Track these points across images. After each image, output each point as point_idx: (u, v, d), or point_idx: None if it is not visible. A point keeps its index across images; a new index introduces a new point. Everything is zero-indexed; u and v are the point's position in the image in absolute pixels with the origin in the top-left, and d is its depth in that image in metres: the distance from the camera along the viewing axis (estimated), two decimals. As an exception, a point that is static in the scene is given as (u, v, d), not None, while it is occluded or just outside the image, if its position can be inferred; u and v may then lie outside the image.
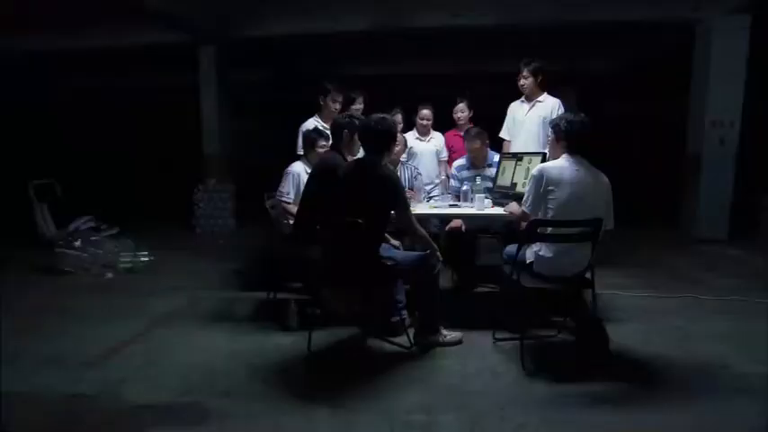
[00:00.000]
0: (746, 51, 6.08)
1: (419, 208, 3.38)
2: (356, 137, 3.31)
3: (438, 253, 2.77)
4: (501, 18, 6.36)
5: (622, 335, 3.01)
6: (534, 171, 2.66)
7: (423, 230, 2.74)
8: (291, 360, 2.82)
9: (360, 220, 2.51)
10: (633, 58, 8.80)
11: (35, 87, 9.67)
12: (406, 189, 3.50)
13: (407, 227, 2.70)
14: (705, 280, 4.40)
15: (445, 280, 4.26)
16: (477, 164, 4.04)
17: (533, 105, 4.18)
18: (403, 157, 4.36)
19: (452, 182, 4.11)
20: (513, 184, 3.52)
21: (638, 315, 3.45)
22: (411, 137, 4.49)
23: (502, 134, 4.40)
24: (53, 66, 8.77)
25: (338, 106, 4.22)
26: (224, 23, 6.70)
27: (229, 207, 7.22)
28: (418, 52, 8.53)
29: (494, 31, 6.93)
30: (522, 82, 4.12)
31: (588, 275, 2.68)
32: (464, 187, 3.62)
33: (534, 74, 4.08)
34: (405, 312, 3.07)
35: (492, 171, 3.92)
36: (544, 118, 4.12)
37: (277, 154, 4.54)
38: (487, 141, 4.02)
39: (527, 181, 3.36)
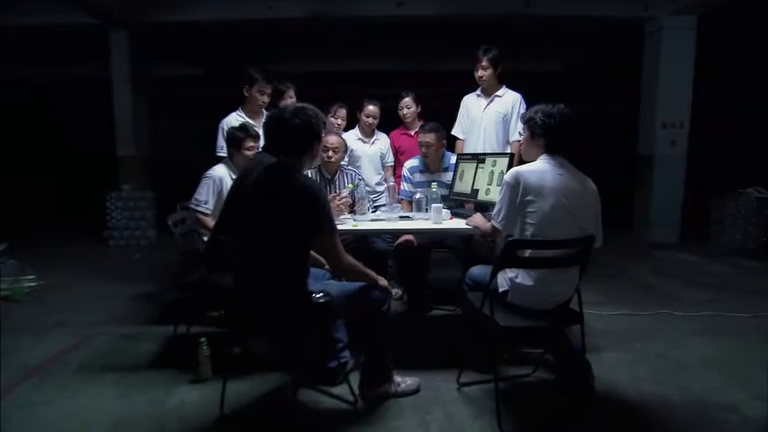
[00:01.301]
0: (694, 52, 5.98)
1: (364, 222, 2.77)
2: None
3: (386, 283, 2.17)
4: (445, 9, 5.91)
5: (603, 367, 2.56)
6: (508, 177, 2.13)
7: (354, 262, 2.09)
8: (197, 427, 2.13)
9: (276, 246, 1.89)
10: (585, 57, 8.69)
11: None
12: (346, 198, 2.89)
13: (333, 258, 2.00)
14: (671, 291, 4.10)
15: (395, 303, 3.70)
16: (430, 167, 3.49)
17: (491, 100, 3.70)
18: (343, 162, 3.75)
19: (404, 185, 3.54)
20: (475, 191, 3.00)
21: (615, 340, 3.02)
22: (352, 137, 3.88)
23: (454, 131, 3.89)
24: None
25: (266, 99, 3.55)
26: (134, 5, 5.81)
27: (149, 216, 6.29)
28: (363, 48, 7.97)
29: (439, 25, 6.47)
30: (480, 73, 3.63)
31: (571, 304, 2.19)
32: (417, 195, 3.06)
33: (494, 64, 3.60)
34: (347, 354, 2.46)
35: (449, 176, 3.39)
36: (504, 115, 3.66)
37: (211, 155, 3.83)
38: (444, 141, 3.49)
39: (491, 187, 2.87)
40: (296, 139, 2.00)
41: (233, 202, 2.11)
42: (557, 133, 2.14)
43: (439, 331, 3.21)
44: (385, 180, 3.96)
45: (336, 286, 2.14)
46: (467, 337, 2.40)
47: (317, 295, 1.98)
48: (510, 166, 2.76)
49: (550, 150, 2.16)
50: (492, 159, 2.95)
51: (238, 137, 3.03)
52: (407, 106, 3.93)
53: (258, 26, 6.41)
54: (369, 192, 3.75)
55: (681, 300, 3.86)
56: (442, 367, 2.54)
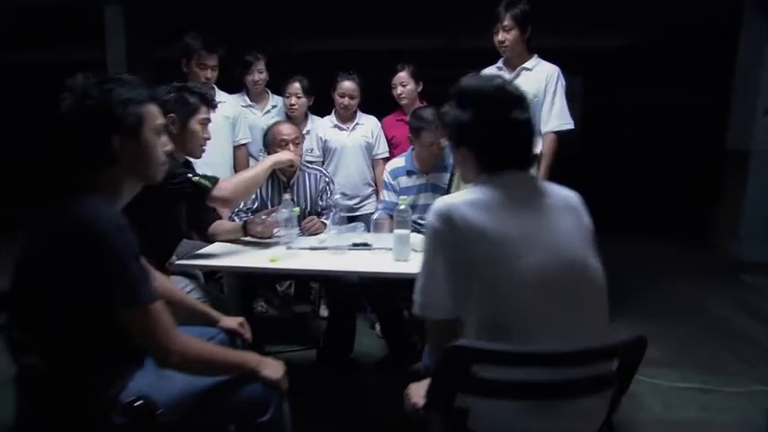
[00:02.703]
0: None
1: (295, 253, 1.88)
2: (193, 122, 1.99)
3: (277, 373, 1.30)
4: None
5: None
6: (431, 216, 1.13)
7: (193, 346, 1.18)
8: None
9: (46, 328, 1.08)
10: (655, 29, 7.20)
11: None
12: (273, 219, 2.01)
13: (150, 347, 1.13)
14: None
15: (376, 343, 2.82)
16: (422, 166, 2.55)
17: (517, 74, 2.69)
18: (314, 156, 2.90)
19: (385, 194, 2.63)
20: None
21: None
22: (326, 125, 2.99)
23: (467, 120, 2.91)
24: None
25: (210, 74, 2.75)
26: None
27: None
28: (383, 22, 6.94)
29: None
30: (500, 36, 2.62)
31: None
32: (376, 215, 2.15)
33: (520, 24, 2.59)
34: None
35: (447, 179, 2.44)
36: (534, 95, 2.63)
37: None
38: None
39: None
40: (80, 137, 1.15)
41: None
42: (490, 135, 1.15)
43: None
44: (374, 180, 3.04)
45: (183, 381, 1.27)
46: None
47: (135, 401, 1.13)
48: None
49: (488, 167, 1.17)
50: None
51: None
52: (403, 83, 2.96)
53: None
54: (348, 197, 2.88)
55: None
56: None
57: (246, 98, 3.14)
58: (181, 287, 2.01)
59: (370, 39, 7.53)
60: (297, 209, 2.14)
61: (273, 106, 3.18)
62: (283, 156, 2.13)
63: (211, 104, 2.05)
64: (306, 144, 2.97)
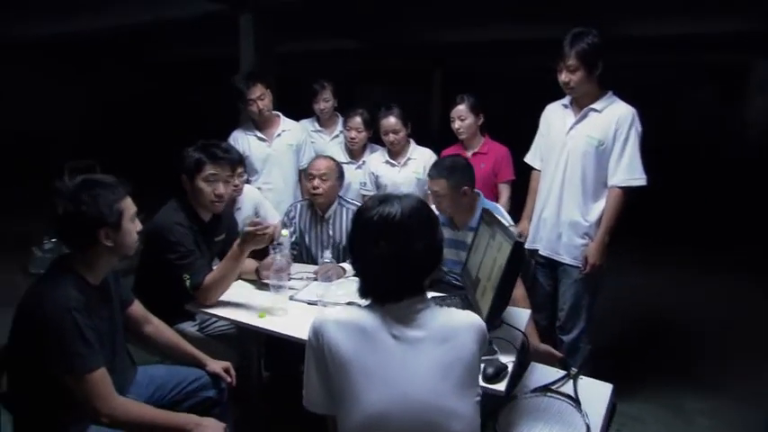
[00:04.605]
0: None
1: (284, 306, 1.87)
2: (198, 180, 2.00)
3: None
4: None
5: None
6: (310, 329, 1.18)
7: (130, 410, 1.41)
8: None
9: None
10: None
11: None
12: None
13: (89, 409, 1.36)
14: None
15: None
16: (456, 222, 2.37)
17: (583, 116, 2.35)
18: (367, 190, 2.94)
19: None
20: (477, 279, 1.89)
21: None
22: (378, 160, 2.94)
23: (529, 158, 2.66)
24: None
25: (262, 105, 2.90)
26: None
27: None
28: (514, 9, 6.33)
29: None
30: (564, 77, 2.30)
31: None
32: None
33: (586, 61, 2.24)
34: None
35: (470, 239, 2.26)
36: (600, 142, 2.30)
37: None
38: (465, 189, 2.24)
39: (488, 285, 1.74)
40: (74, 231, 1.44)
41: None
42: (358, 270, 1.23)
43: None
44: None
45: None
46: None
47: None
48: (513, 261, 1.58)
49: (364, 297, 1.20)
50: (501, 237, 1.76)
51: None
52: (461, 117, 2.77)
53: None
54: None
55: None
56: None
57: (316, 123, 3.28)
58: (207, 316, 2.20)
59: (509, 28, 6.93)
60: (285, 231, 2.05)
61: (341, 131, 3.25)
62: (251, 238, 1.84)
63: (218, 159, 1.98)
64: (360, 177, 3.02)
